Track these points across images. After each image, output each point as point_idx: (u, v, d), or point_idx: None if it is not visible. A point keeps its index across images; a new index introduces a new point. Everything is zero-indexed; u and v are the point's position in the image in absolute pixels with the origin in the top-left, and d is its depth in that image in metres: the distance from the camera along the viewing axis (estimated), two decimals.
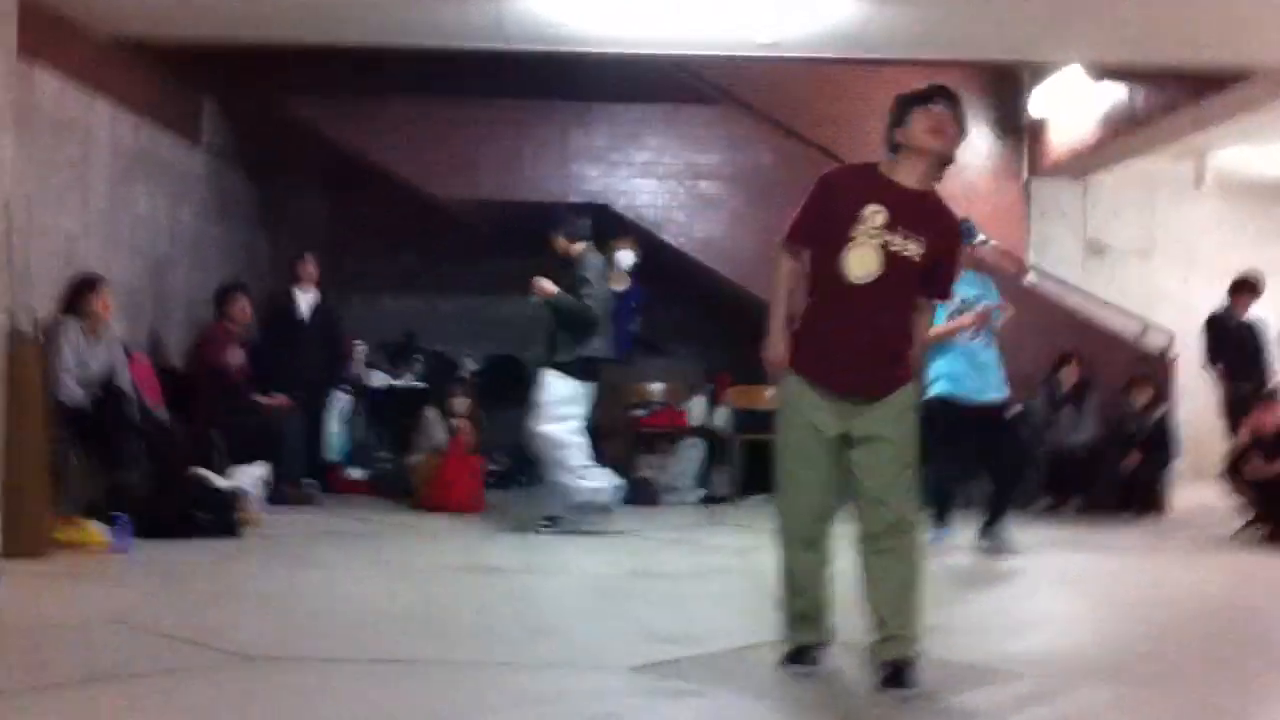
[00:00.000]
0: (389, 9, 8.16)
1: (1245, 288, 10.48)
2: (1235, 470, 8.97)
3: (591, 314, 7.65)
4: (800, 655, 4.41)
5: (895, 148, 4.32)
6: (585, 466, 7.82)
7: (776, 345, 4.40)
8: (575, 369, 7.70)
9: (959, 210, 4.71)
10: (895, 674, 4.15)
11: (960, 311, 7.31)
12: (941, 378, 7.36)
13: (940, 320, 7.21)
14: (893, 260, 4.18)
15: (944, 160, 4.30)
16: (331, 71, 10.13)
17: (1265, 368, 10.30)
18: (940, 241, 4.29)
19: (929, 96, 4.32)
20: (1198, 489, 10.57)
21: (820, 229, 4.29)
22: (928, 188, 4.31)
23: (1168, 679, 4.58)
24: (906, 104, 4.35)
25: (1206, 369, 10.44)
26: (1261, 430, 8.87)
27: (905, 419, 4.33)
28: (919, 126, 4.25)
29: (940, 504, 7.49)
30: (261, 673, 4.26)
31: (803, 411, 4.33)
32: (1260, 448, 8.83)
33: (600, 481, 7.86)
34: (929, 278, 4.33)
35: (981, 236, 7.72)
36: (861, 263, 4.19)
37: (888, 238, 4.18)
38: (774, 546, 4.44)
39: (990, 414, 7.44)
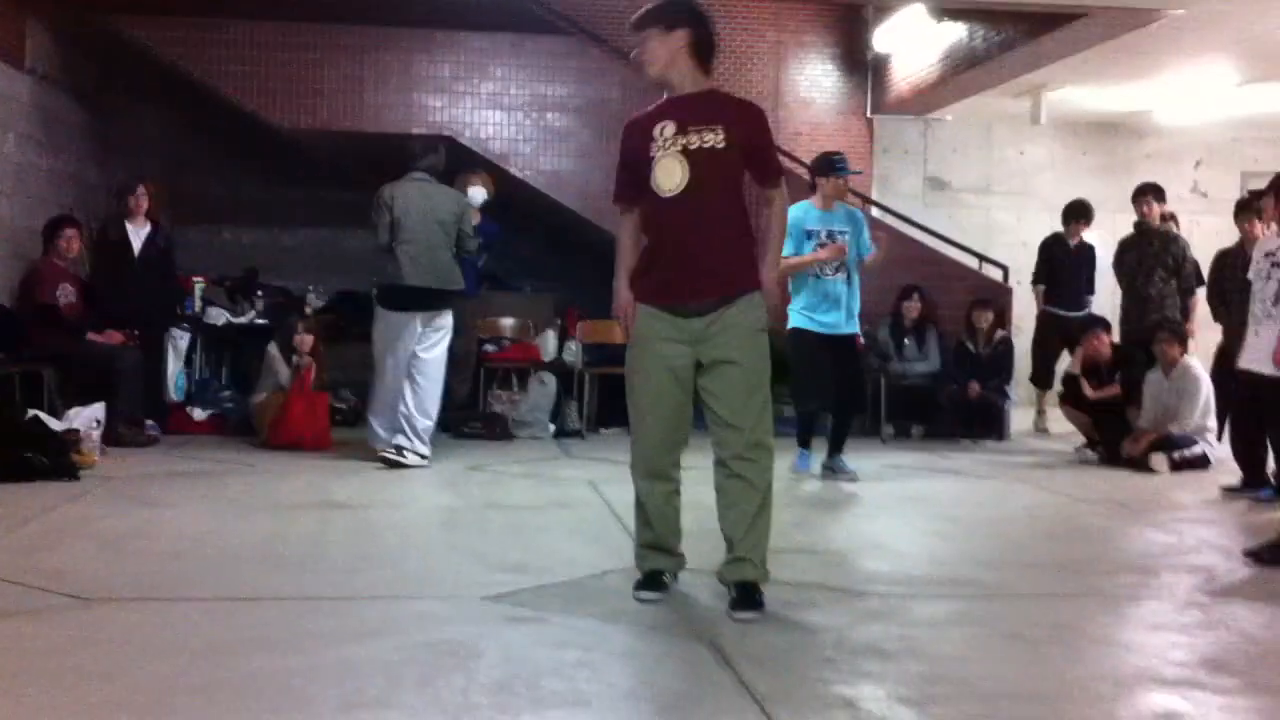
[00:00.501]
0: None
1: (1077, 213, 10.82)
2: (1070, 395, 9.29)
3: (380, 244, 7.86)
4: (651, 581, 4.46)
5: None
6: (375, 408, 8.10)
7: (621, 294, 4.46)
8: (379, 298, 8.02)
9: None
10: (743, 596, 4.21)
11: (824, 245, 7.44)
12: (797, 311, 7.52)
13: (806, 251, 7.37)
14: (697, 159, 4.22)
15: (694, 54, 4.35)
16: None
17: (1087, 292, 10.66)
18: (741, 124, 4.31)
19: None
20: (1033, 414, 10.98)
21: (634, 172, 4.38)
22: (709, 87, 4.39)
23: (1005, 593, 4.75)
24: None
25: (1032, 288, 10.82)
26: (1094, 357, 9.19)
27: (754, 341, 4.33)
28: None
29: (803, 432, 7.70)
30: (99, 614, 4.14)
31: (652, 345, 4.36)
32: (1092, 374, 9.16)
33: (378, 428, 8.01)
34: (752, 165, 4.38)
35: (855, 169, 7.88)
36: (668, 174, 4.25)
37: (683, 140, 4.24)
38: (630, 478, 4.48)
39: (841, 346, 7.60)
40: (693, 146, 4.23)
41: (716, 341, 4.28)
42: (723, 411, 4.29)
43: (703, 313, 4.27)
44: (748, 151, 4.33)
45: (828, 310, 7.52)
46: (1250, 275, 6.84)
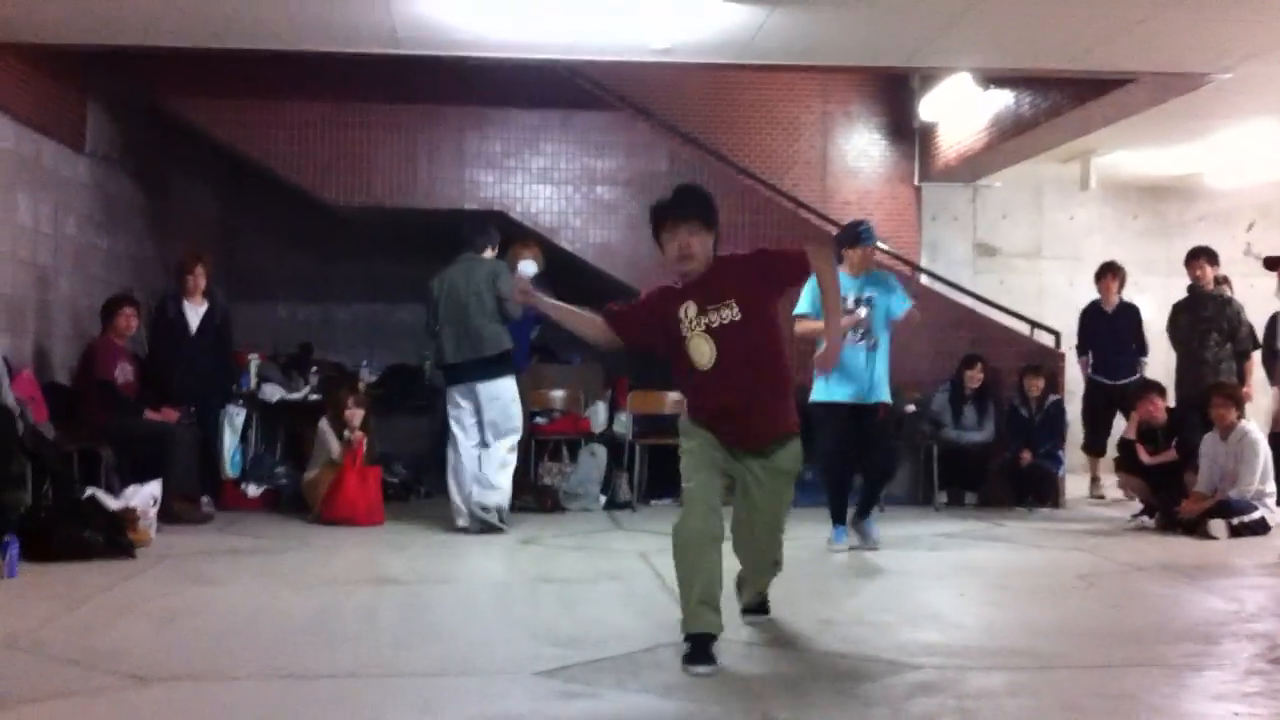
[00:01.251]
0: (278, 13, 8.03)
1: (1107, 274, 10.75)
2: (1125, 461, 9.18)
3: (428, 330, 8.48)
4: (703, 653, 4.44)
5: None
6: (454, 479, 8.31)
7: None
8: (443, 377, 8.53)
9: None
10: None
11: (849, 313, 7.41)
12: (820, 382, 7.44)
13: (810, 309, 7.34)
14: (722, 335, 4.65)
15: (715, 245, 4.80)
16: (221, 74, 9.98)
17: (1136, 354, 10.53)
18: (747, 277, 4.71)
19: (667, 214, 4.74)
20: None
21: (647, 332, 4.84)
22: (713, 266, 4.75)
23: (1062, 664, 4.68)
24: (655, 222, 4.79)
25: (1077, 358, 10.73)
26: (1149, 421, 9.09)
27: (786, 484, 4.86)
28: (670, 254, 4.75)
29: (834, 504, 7.62)
30: (155, 693, 4.16)
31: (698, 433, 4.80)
32: (1147, 439, 9.05)
33: (456, 500, 8.29)
34: (779, 282, 4.82)
35: (877, 240, 7.84)
36: (700, 353, 4.68)
37: (707, 320, 4.66)
38: (676, 524, 4.62)
39: (866, 414, 7.54)
40: (715, 325, 4.65)
41: (755, 471, 4.78)
42: (747, 537, 4.90)
43: (748, 450, 4.79)
44: (766, 288, 4.75)
45: (845, 380, 7.43)
46: None
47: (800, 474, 4.99)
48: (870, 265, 7.70)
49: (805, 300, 7.43)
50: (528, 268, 9.60)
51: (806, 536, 7.39)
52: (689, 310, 4.68)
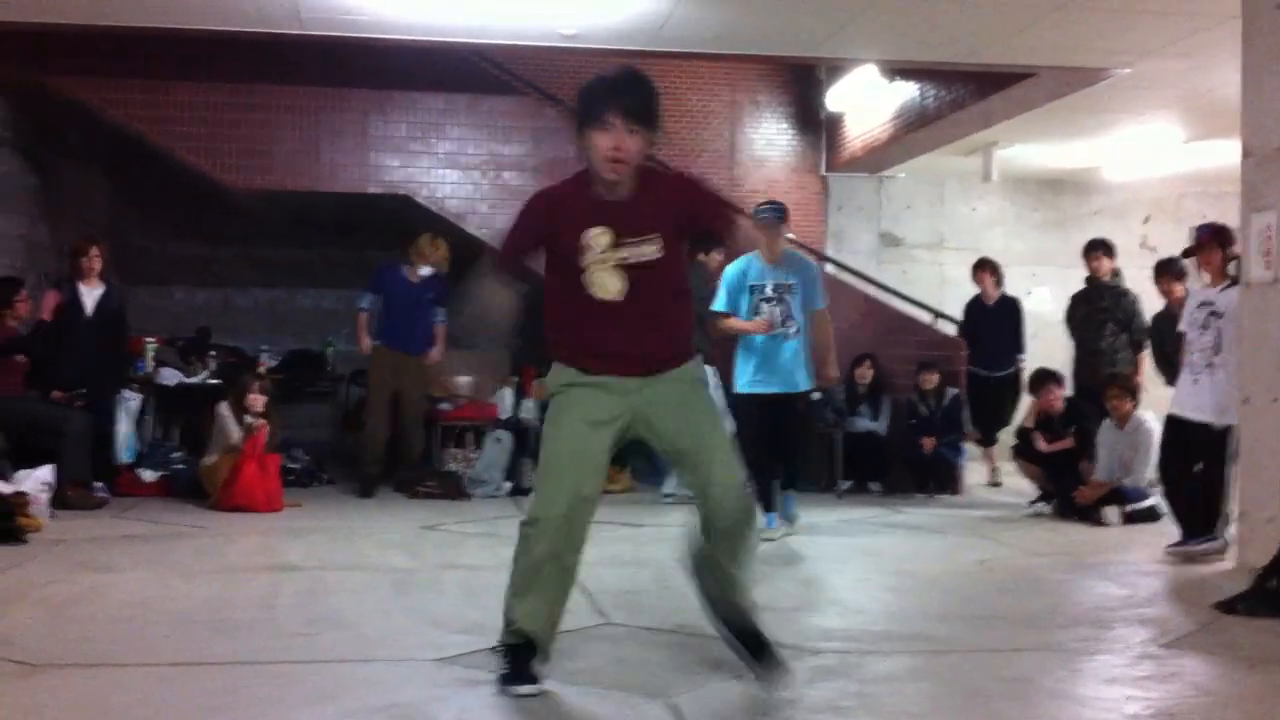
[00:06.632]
0: None
1: (982, 268, 10.95)
2: (1023, 449, 9.34)
3: None
4: (525, 669, 3.97)
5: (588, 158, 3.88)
6: None
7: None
8: None
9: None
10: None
11: (770, 300, 7.45)
12: (742, 376, 7.53)
13: (744, 304, 7.44)
14: (635, 270, 3.84)
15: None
16: (116, 53, 9.77)
17: (1013, 350, 10.71)
18: (677, 209, 3.93)
19: (605, 103, 3.77)
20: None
21: (539, 247, 3.99)
22: (638, 182, 3.90)
23: (960, 648, 4.73)
24: (583, 111, 3.84)
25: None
26: (1047, 410, 9.25)
27: (698, 390, 4.02)
28: (598, 154, 3.80)
29: (762, 496, 7.65)
30: (44, 681, 4.06)
31: (574, 395, 3.95)
32: (1044, 427, 9.21)
33: None
34: (703, 229, 4.14)
35: (775, 216, 7.75)
36: (604, 287, 3.84)
37: (620, 255, 3.83)
38: (525, 526, 4.09)
39: (786, 404, 7.61)
40: (630, 261, 3.82)
41: (658, 391, 3.91)
42: (688, 447, 3.91)
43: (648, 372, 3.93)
44: (688, 227, 4.01)
45: (770, 372, 7.49)
46: (1184, 326, 6.99)
47: None
48: (773, 244, 7.64)
49: (722, 299, 7.53)
50: (424, 271, 9.60)
51: None
52: (600, 239, 3.80)
